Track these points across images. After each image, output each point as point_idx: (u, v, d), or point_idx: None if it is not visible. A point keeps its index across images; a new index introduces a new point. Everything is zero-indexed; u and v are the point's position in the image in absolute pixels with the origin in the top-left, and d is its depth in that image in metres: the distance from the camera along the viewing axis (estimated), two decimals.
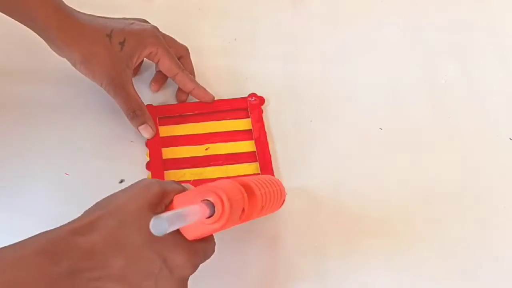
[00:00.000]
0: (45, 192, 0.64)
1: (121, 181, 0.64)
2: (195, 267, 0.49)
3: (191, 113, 0.69)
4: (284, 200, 0.61)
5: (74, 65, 0.65)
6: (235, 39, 0.77)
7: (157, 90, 0.71)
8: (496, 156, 0.70)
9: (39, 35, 0.63)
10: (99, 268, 0.46)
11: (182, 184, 0.52)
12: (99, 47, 0.64)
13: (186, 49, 0.71)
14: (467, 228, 0.65)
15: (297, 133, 0.70)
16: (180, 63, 0.69)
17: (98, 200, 0.61)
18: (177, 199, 0.49)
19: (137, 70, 0.72)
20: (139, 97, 0.67)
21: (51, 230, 0.47)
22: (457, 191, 0.67)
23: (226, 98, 0.70)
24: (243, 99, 0.70)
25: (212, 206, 0.46)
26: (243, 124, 0.69)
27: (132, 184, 0.50)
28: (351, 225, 0.64)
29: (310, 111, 0.72)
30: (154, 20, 0.70)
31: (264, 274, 0.61)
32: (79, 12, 0.65)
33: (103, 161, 0.66)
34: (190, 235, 0.48)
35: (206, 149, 0.67)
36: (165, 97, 0.71)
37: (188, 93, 0.70)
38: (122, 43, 0.65)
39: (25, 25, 0.63)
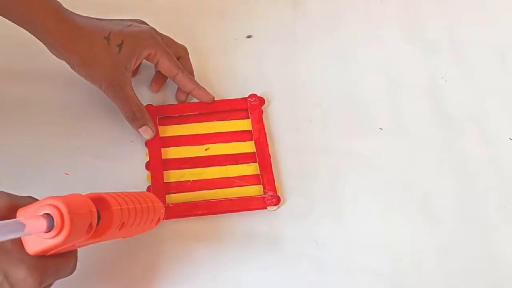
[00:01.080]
0: (45, 192, 0.64)
1: None
2: (40, 284, 0.46)
3: (191, 113, 0.69)
4: (160, 218, 0.58)
5: (72, 68, 0.64)
6: (235, 39, 0.77)
7: (157, 91, 0.71)
8: (496, 156, 0.70)
9: (37, 38, 0.63)
10: None
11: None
12: (97, 50, 0.64)
13: (185, 49, 0.71)
14: (467, 228, 0.65)
15: (297, 134, 0.70)
16: (179, 63, 0.69)
17: None
18: (20, 212, 0.46)
19: (136, 72, 0.72)
20: (139, 99, 0.67)
21: None
22: (457, 191, 0.67)
23: (226, 98, 0.70)
24: (243, 99, 0.70)
25: (51, 219, 0.43)
26: (243, 124, 0.69)
27: None
28: (351, 224, 0.64)
29: (310, 112, 0.72)
30: (153, 20, 0.70)
31: (264, 274, 0.61)
32: (76, 14, 0.65)
33: (103, 161, 0.66)
34: (31, 250, 0.45)
35: (206, 149, 0.67)
36: (164, 97, 0.71)
37: (188, 93, 0.70)
38: (120, 45, 0.65)
39: (23, 28, 0.63)
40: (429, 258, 0.63)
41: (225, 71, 0.74)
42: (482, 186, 0.67)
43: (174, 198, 0.64)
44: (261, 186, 0.65)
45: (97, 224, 0.47)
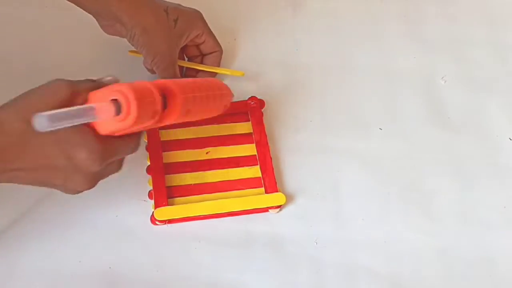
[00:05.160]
0: (45, 193, 0.64)
1: None
2: (100, 163, 0.51)
3: None
4: (227, 105, 0.62)
5: (132, 36, 0.65)
6: (235, 39, 0.77)
7: None
8: (496, 156, 0.70)
9: (93, 10, 0.64)
10: (10, 162, 0.49)
11: (104, 79, 0.53)
12: (159, 20, 0.65)
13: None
14: (467, 228, 0.65)
15: (297, 134, 0.70)
16: None
17: (100, 202, 0.63)
18: (91, 96, 0.50)
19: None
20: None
21: None
22: (457, 191, 0.67)
23: None
24: (243, 102, 0.70)
25: (119, 105, 0.47)
26: (243, 127, 0.69)
27: (42, 85, 0.51)
28: (351, 224, 0.65)
29: (310, 112, 0.72)
30: None
31: (264, 274, 0.61)
32: None
33: None
34: (102, 130, 0.50)
35: (207, 152, 0.67)
36: None
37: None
38: (175, 21, 0.66)
39: (75, 3, 0.64)
40: (429, 258, 0.63)
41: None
42: (482, 186, 0.68)
43: (176, 201, 0.64)
44: (263, 188, 0.65)
45: (163, 110, 0.51)
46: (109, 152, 0.51)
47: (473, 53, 0.77)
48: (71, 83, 0.51)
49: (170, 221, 0.63)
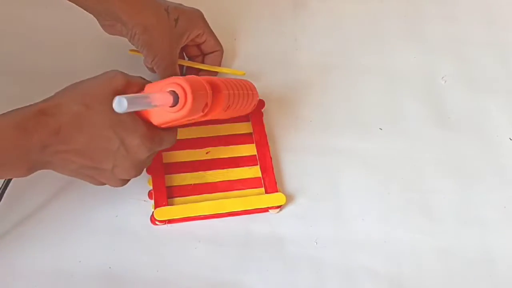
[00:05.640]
0: (46, 193, 0.64)
1: None
2: (149, 151, 0.55)
3: None
4: (255, 104, 0.66)
5: (132, 36, 0.65)
6: (235, 39, 0.77)
7: None
8: (496, 156, 0.70)
9: (94, 9, 0.64)
10: (65, 143, 0.52)
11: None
12: (159, 20, 0.65)
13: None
14: (467, 228, 0.65)
15: (297, 135, 0.70)
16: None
17: (100, 202, 0.63)
18: (147, 87, 0.54)
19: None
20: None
21: (22, 108, 0.52)
22: (457, 191, 0.67)
23: None
24: None
25: (176, 96, 0.51)
26: (243, 127, 0.69)
27: (99, 74, 0.54)
28: (351, 224, 0.65)
29: (310, 113, 0.72)
30: None
31: (264, 274, 0.61)
32: None
33: None
34: (155, 120, 0.54)
35: (207, 152, 0.67)
36: None
37: None
38: (176, 20, 0.66)
39: (76, 2, 0.64)
40: (429, 258, 0.63)
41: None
42: (482, 186, 0.68)
43: (176, 201, 0.64)
44: (263, 188, 0.65)
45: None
46: (157, 142, 0.55)
47: (473, 53, 0.78)
48: (126, 75, 0.54)
49: (170, 221, 0.63)
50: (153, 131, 0.54)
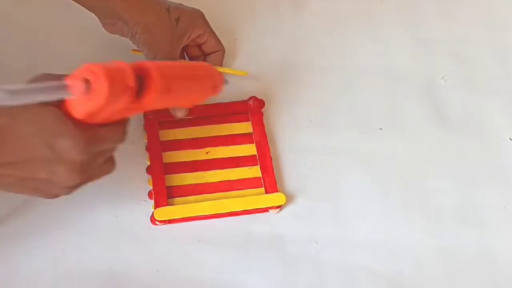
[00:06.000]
0: None
1: None
2: (86, 151, 0.49)
3: (191, 116, 0.69)
4: (218, 87, 0.59)
5: (133, 35, 0.65)
6: (235, 39, 0.77)
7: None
8: (496, 156, 0.70)
9: (95, 8, 0.64)
10: None
11: None
12: (160, 19, 0.65)
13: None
14: (467, 228, 0.65)
15: (297, 135, 0.70)
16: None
17: (100, 202, 0.63)
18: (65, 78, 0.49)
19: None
20: None
21: None
22: (457, 191, 0.67)
23: (226, 100, 0.70)
24: (243, 102, 0.70)
25: (88, 82, 0.46)
26: (243, 127, 0.69)
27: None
28: (351, 224, 0.65)
29: (310, 113, 0.72)
30: None
31: (264, 274, 0.61)
32: None
33: None
34: (77, 114, 0.49)
35: (207, 152, 0.67)
36: None
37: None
38: (177, 20, 0.66)
39: (77, 1, 0.64)
40: (429, 258, 0.63)
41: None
42: (482, 186, 0.68)
43: (176, 201, 0.64)
44: (263, 188, 0.65)
45: (140, 90, 0.49)
46: (93, 140, 0.50)
47: (473, 53, 0.77)
48: (55, 75, 0.50)
49: (170, 221, 0.63)
50: (88, 130, 0.49)
